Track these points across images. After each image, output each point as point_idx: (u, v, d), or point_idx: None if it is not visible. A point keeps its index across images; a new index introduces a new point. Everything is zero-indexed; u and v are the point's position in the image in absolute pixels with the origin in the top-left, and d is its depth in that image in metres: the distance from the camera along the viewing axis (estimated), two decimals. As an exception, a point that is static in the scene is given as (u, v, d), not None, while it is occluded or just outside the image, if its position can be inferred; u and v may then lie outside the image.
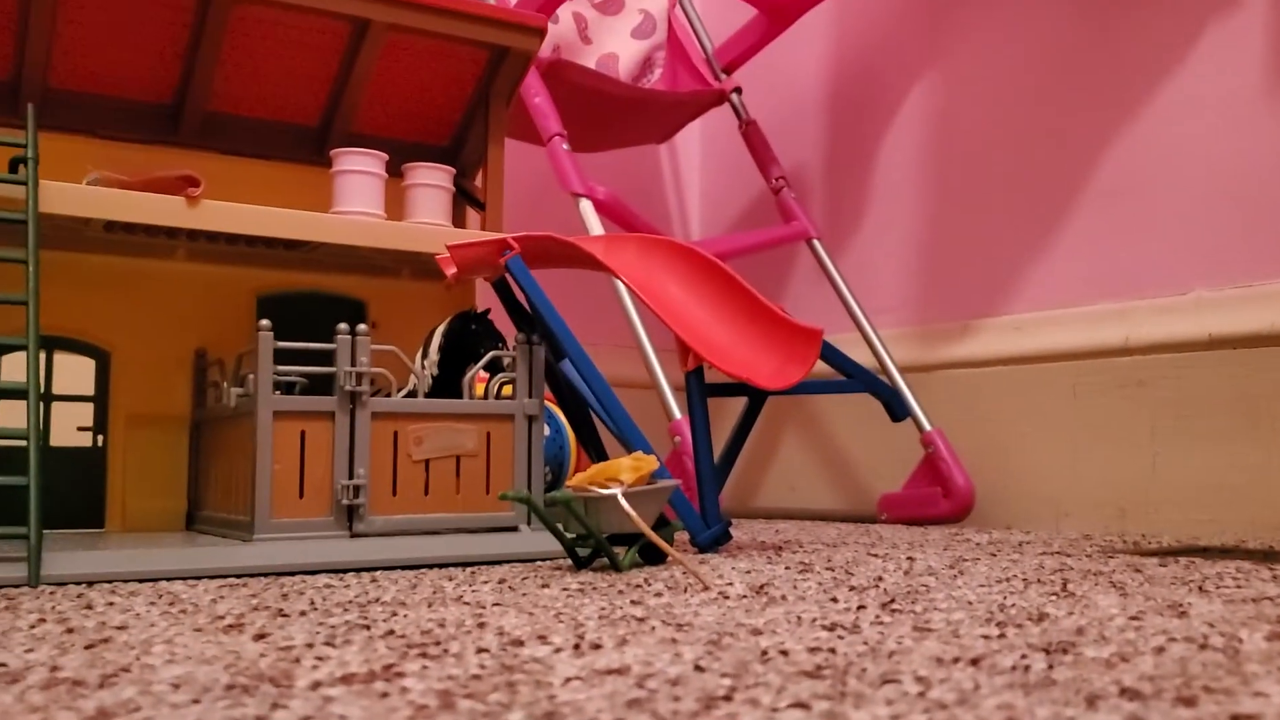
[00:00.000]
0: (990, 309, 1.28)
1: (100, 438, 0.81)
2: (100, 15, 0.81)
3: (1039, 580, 0.54)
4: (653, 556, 0.65)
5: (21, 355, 0.76)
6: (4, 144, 0.71)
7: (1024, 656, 0.33)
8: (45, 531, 0.54)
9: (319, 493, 0.66)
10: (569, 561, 0.66)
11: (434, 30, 0.86)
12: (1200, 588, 0.51)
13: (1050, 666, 0.31)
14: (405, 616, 0.42)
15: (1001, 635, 0.37)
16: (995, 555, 0.71)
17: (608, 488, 0.61)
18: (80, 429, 0.81)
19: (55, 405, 0.81)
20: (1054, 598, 0.47)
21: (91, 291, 0.84)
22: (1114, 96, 1.16)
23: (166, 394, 0.84)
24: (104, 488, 0.80)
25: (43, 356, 0.80)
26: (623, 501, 0.60)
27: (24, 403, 0.70)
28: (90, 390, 0.82)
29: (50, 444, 0.79)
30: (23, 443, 0.63)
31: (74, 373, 0.83)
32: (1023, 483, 1.19)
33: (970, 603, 0.45)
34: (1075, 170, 1.20)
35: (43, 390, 0.79)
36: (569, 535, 0.63)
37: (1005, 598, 0.47)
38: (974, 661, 0.32)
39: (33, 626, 0.40)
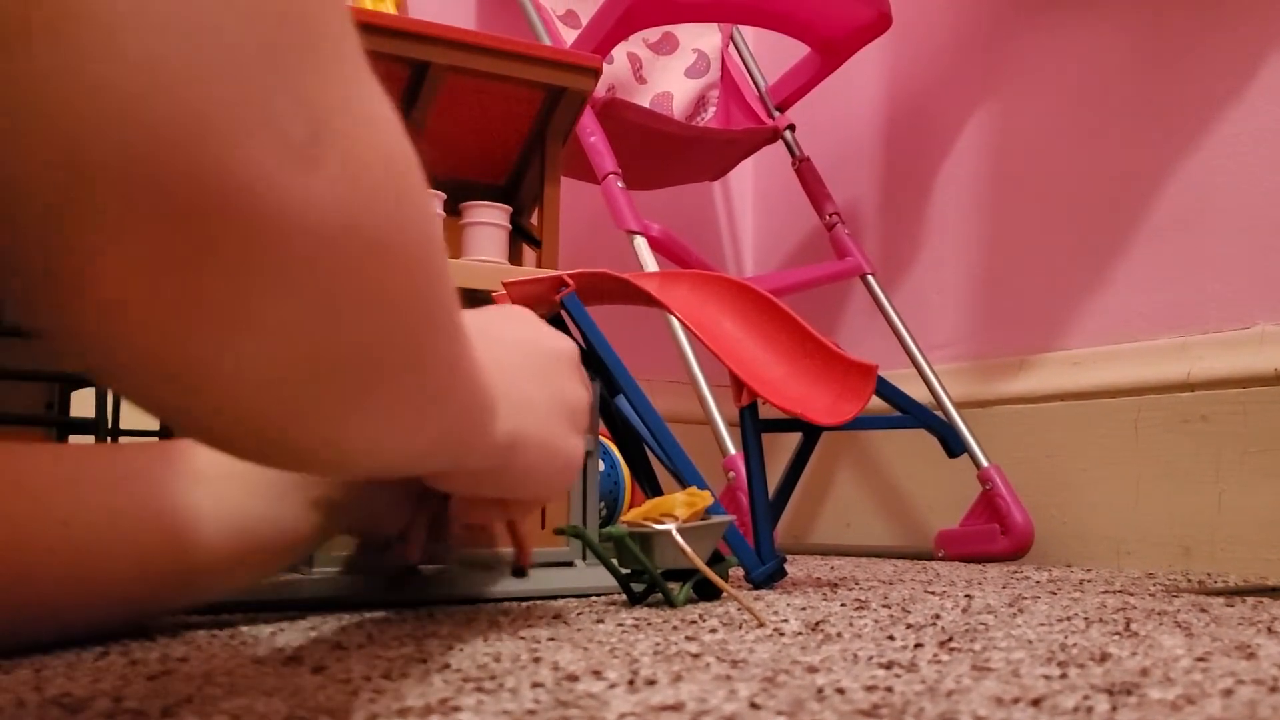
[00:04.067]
0: (1048, 344, 1.27)
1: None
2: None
3: (1101, 619, 0.53)
4: (707, 592, 0.65)
5: (91, 390, 0.78)
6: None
7: (1086, 698, 0.32)
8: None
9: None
10: (623, 597, 0.66)
11: (492, 72, 0.87)
12: (1269, 628, 0.50)
13: (1114, 708, 0.31)
14: (461, 650, 0.43)
15: (1063, 675, 0.36)
16: (1055, 593, 0.70)
17: (662, 523, 0.61)
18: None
19: (123, 440, 0.82)
20: (1117, 637, 0.46)
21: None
22: (1173, 128, 1.15)
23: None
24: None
25: (111, 391, 0.82)
26: (677, 537, 0.59)
27: (92, 437, 0.72)
28: (156, 425, 0.84)
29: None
30: (90, 477, 0.65)
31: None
32: (1083, 520, 1.17)
33: (1030, 642, 0.45)
34: (1134, 203, 1.19)
35: (111, 424, 0.81)
36: (623, 570, 0.63)
37: (1066, 637, 0.46)
38: (1035, 702, 0.32)
39: (97, 659, 0.41)
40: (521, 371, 0.48)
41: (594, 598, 0.67)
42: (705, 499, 0.64)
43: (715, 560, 0.65)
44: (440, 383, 0.34)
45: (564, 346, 0.53)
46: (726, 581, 0.60)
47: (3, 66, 0.19)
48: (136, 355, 0.23)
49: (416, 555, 0.58)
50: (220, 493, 0.47)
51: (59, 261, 0.21)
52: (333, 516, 0.52)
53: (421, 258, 0.28)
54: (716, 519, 0.65)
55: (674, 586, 0.62)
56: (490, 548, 0.66)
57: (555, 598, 0.66)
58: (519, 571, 0.65)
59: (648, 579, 0.62)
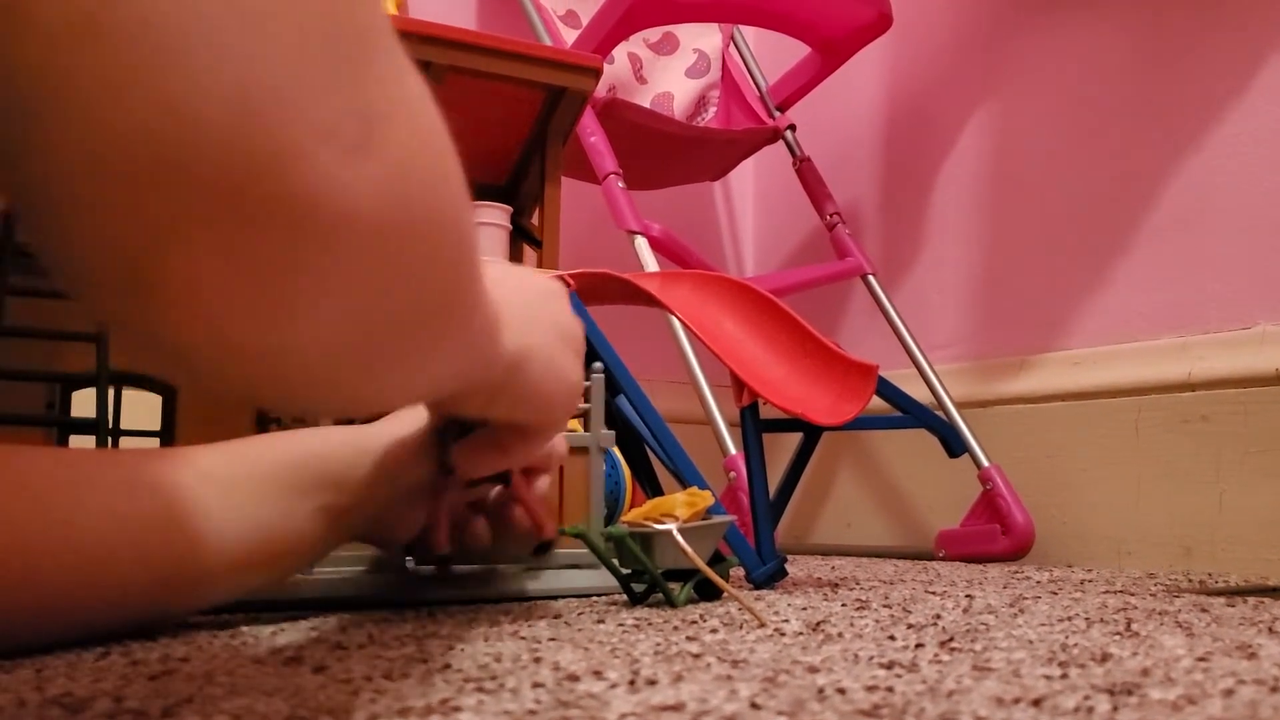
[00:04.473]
0: (1049, 344, 1.27)
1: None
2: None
3: (1102, 619, 0.53)
4: (708, 592, 0.65)
5: (91, 391, 0.78)
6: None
7: (1087, 698, 0.32)
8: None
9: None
10: (624, 597, 0.66)
11: (492, 72, 0.87)
12: (1270, 628, 0.50)
13: (1115, 708, 0.31)
14: (462, 650, 0.43)
15: (1064, 675, 0.36)
16: (1056, 594, 0.70)
17: (662, 523, 0.61)
18: (146, 464, 0.83)
19: (123, 440, 0.82)
20: (1118, 637, 0.46)
21: (158, 329, 0.85)
22: (1173, 128, 1.15)
23: (230, 428, 0.85)
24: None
25: (112, 392, 0.82)
26: (678, 537, 0.59)
27: (93, 437, 0.72)
28: (156, 425, 0.84)
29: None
30: (91, 477, 0.65)
31: (141, 409, 0.85)
32: (1084, 520, 1.17)
33: (1031, 642, 0.45)
34: (1135, 203, 1.19)
35: (112, 425, 0.81)
36: (625, 571, 0.63)
37: (1067, 637, 0.46)
38: (1035, 702, 0.32)
39: (98, 659, 0.41)
40: (518, 296, 0.48)
41: (594, 598, 0.67)
42: (706, 499, 0.64)
43: (716, 560, 0.65)
44: (469, 323, 0.37)
45: (553, 283, 0.55)
46: (727, 581, 0.60)
47: (110, 99, 0.21)
48: (221, 344, 0.25)
49: (444, 540, 0.58)
50: (227, 498, 0.47)
51: (151, 267, 0.23)
52: (341, 524, 0.52)
53: (460, 227, 0.31)
54: (717, 519, 0.65)
55: (675, 586, 0.62)
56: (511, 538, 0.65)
57: (556, 598, 0.66)
58: (542, 548, 0.62)
59: (648, 579, 0.63)
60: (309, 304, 0.26)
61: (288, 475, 0.50)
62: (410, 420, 0.56)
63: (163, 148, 0.22)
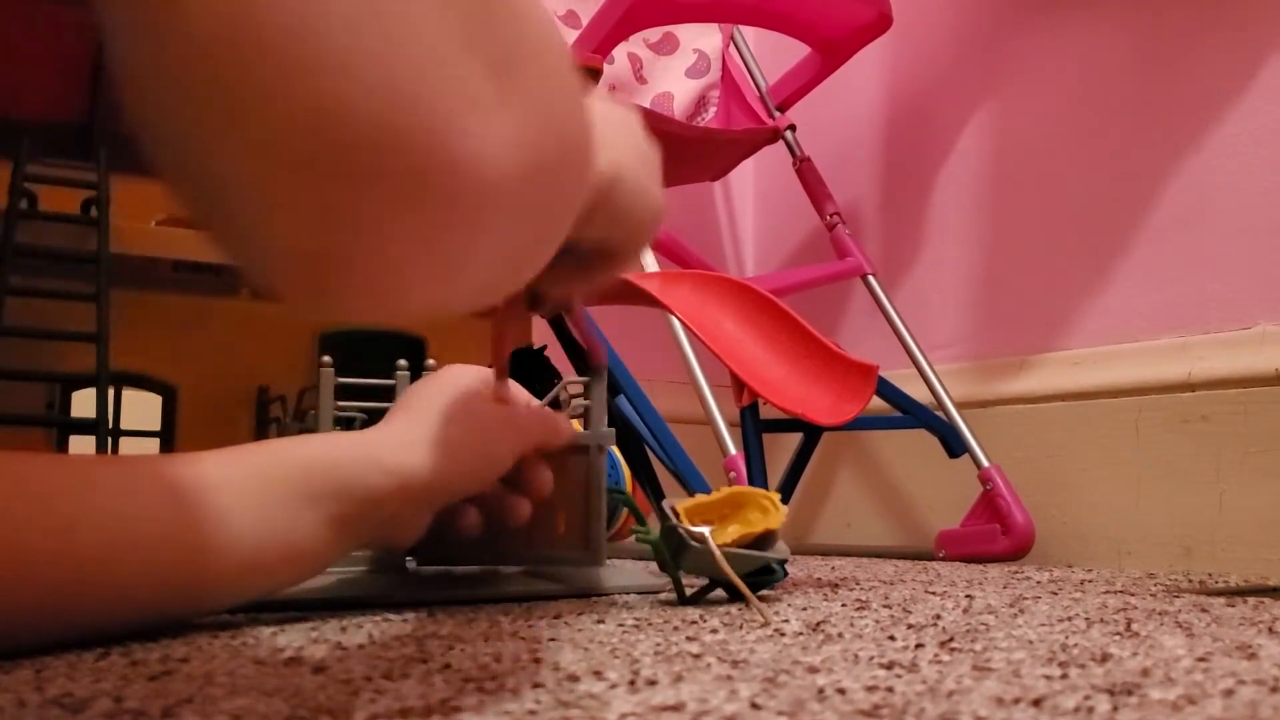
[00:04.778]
0: (1049, 344, 1.27)
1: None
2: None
3: (1102, 620, 0.53)
4: (734, 592, 0.64)
5: (92, 391, 0.78)
6: (78, 185, 0.73)
7: (1087, 698, 0.32)
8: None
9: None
10: (624, 598, 0.66)
11: (491, 71, 0.87)
12: (1270, 629, 0.50)
13: (1115, 708, 0.31)
14: (461, 650, 0.43)
15: (1064, 676, 0.36)
16: (1056, 594, 0.70)
17: (716, 527, 0.60)
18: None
19: (123, 440, 0.83)
20: (1118, 638, 0.46)
21: (159, 329, 0.86)
22: (1174, 129, 1.15)
23: (230, 429, 0.85)
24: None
25: (112, 392, 0.82)
26: (715, 551, 0.58)
27: (93, 437, 0.72)
28: (157, 425, 0.84)
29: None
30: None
31: (142, 408, 0.85)
32: (1084, 520, 1.17)
33: (1031, 642, 0.45)
34: (1135, 203, 1.19)
35: (112, 425, 0.81)
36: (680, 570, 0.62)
37: (1067, 637, 0.46)
38: (1035, 702, 0.32)
39: (98, 659, 0.41)
40: (605, 119, 0.47)
41: (594, 598, 0.67)
42: (780, 517, 0.62)
43: (766, 571, 0.63)
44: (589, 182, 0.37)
45: (629, 109, 0.55)
46: (773, 590, 0.59)
47: (274, 103, 0.23)
48: (399, 306, 0.28)
49: (475, 519, 0.59)
50: (234, 504, 0.47)
51: (335, 252, 0.25)
52: (347, 532, 0.52)
53: (587, 132, 0.32)
54: (760, 554, 0.61)
55: (688, 585, 0.62)
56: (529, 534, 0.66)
57: (556, 598, 0.66)
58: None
59: (712, 580, 0.62)
60: (472, 256, 0.28)
61: (295, 482, 0.50)
62: (418, 421, 0.56)
63: (326, 140, 0.23)
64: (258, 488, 0.48)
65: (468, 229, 0.27)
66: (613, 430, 0.73)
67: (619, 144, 0.49)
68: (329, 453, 0.52)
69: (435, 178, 0.25)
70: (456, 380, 0.60)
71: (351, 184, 0.24)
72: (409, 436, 0.55)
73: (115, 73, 0.25)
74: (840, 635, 0.47)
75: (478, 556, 0.65)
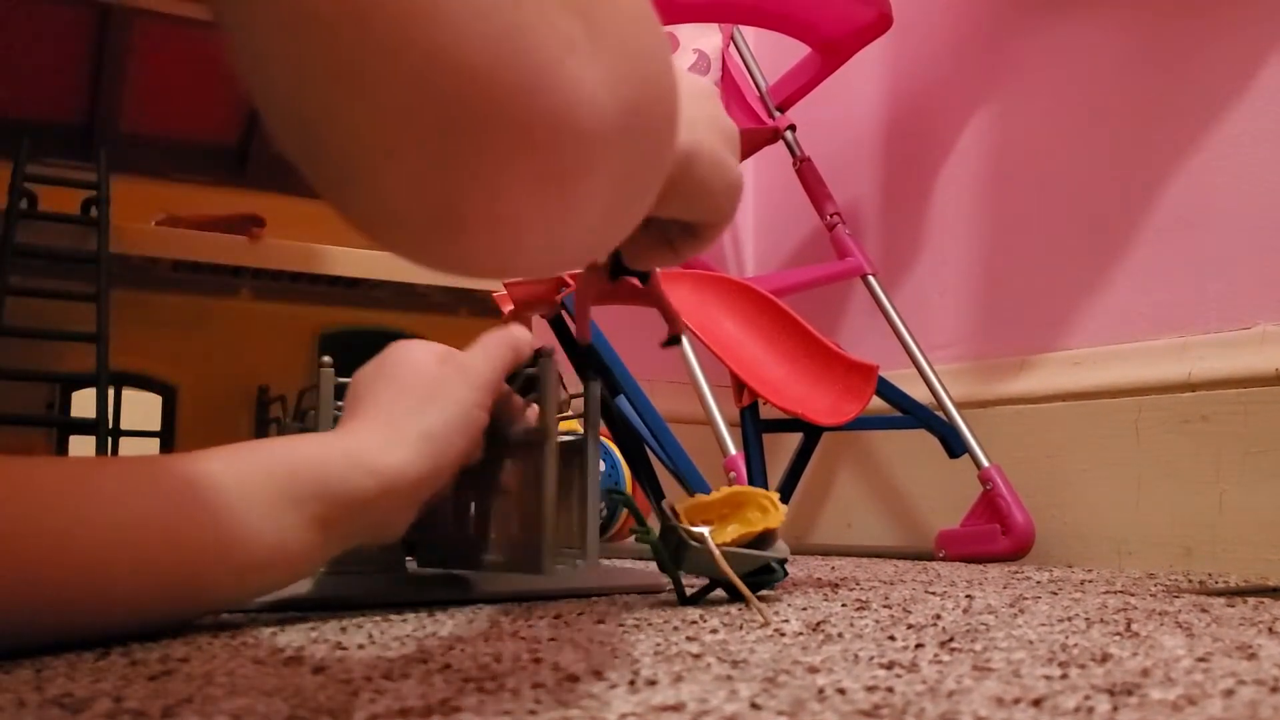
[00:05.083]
0: (1049, 344, 1.27)
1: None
2: (170, 65, 0.84)
3: (1102, 620, 0.53)
4: (734, 592, 0.64)
5: (92, 391, 0.78)
6: (78, 186, 0.73)
7: (1087, 698, 0.32)
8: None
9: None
10: (624, 598, 0.66)
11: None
12: (1270, 629, 0.50)
13: (1115, 709, 0.31)
14: (461, 650, 0.43)
15: (1064, 676, 0.36)
16: (1056, 594, 0.70)
17: (710, 524, 0.60)
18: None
19: (123, 440, 0.83)
20: (1118, 638, 0.46)
21: (159, 329, 0.86)
22: (1174, 128, 1.15)
23: (230, 428, 0.86)
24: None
25: (112, 392, 0.82)
26: (715, 551, 0.58)
27: (93, 437, 0.72)
28: (157, 425, 0.84)
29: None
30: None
31: (142, 408, 0.85)
32: (1084, 520, 1.17)
33: (1031, 642, 0.45)
34: (1135, 203, 1.19)
35: (112, 425, 0.81)
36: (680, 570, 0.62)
37: (1067, 637, 0.46)
38: (1036, 702, 0.32)
39: (97, 659, 0.41)
40: (684, 94, 0.48)
41: (594, 598, 0.67)
42: (779, 517, 0.62)
43: (766, 571, 0.63)
44: (674, 150, 0.39)
45: (708, 83, 0.55)
46: (773, 590, 0.59)
47: (396, 62, 0.24)
48: (516, 253, 0.30)
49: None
50: (229, 506, 0.47)
51: (458, 202, 0.27)
52: (334, 535, 0.51)
53: (672, 85, 0.33)
54: (760, 553, 0.62)
55: (688, 585, 0.62)
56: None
57: (557, 598, 0.66)
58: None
59: (711, 579, 0.61)
60: (580, 200, 0.29)
61: (282, 484, 0.49)
62: (397, 413, 0.55)
63: (438, 91, 0.25)
64: (250, 490, 0.48)
65: (574, 172, 0.28)
66: (597, 434, 0.71)
67: (697, 121, 0.49)
68: (316, 454, 0.52)
69: (541, 122, 0.26)
70: (409, 356, 0.59)
71: (465, 132, 0.25)
72: (393, 434, 0.54)
73: (229, 48, 0.27)
74: (840, 635, 0.47)
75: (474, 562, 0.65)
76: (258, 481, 0.49)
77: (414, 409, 0.55)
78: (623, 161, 0.30)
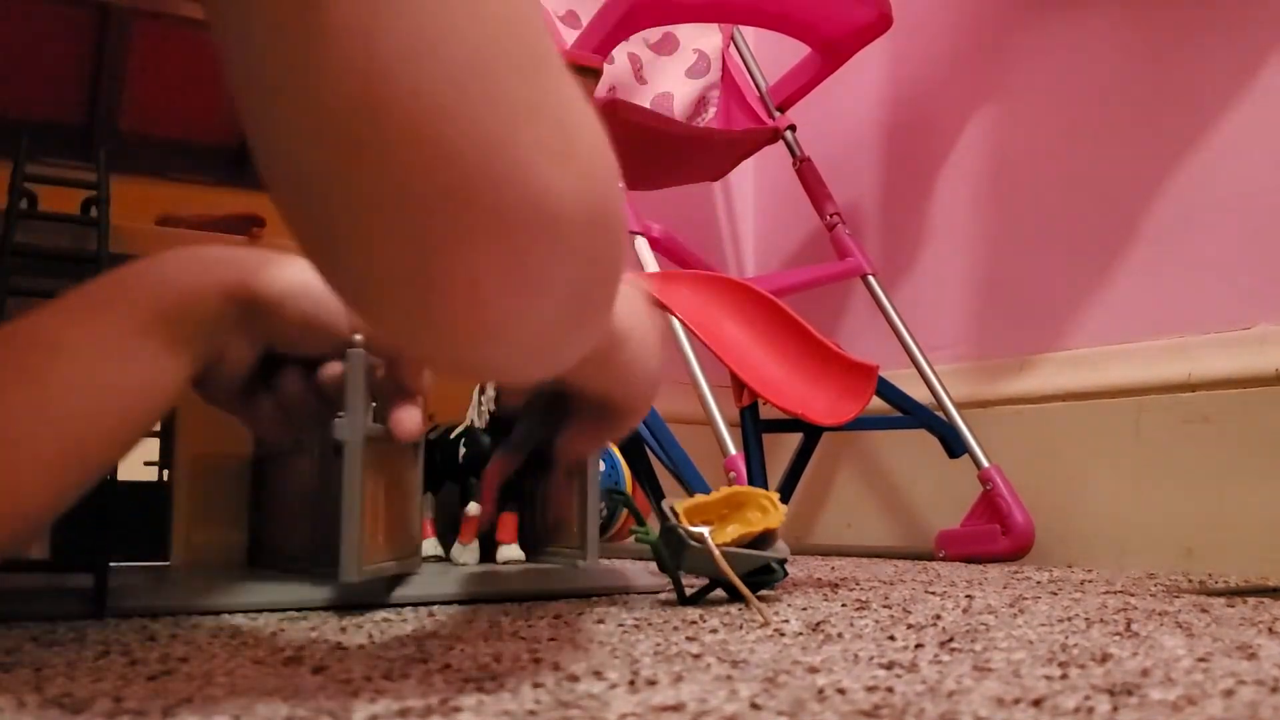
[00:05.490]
0: (1049, 344, 1.27)
1: (166, 473, 0.83)
2: (170, 65, 0.84)
3: (1102, 620, 0.53)
4: (733, 592, 0.64)
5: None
6: (78, 185, 0.73)
7: (1087, 698, 0.32)
8: (111, 564, 0.55)
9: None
10: (625, 598, 0.66)
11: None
12: (1270, 629, 0.50)
13: (1115, 709, 0.31)
14: (461, 650, 0.43)
15: (1064, 676, 0.36)
16: (1056, 594, 0.70)
17: (710, 524, 0.60)
18: (146, 464, 0.83)
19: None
20: (1118, 638, 0.46)
21: (158, 329, 0.85)
22: (1175, 129, 1.15)
23: (230, 428, 0.85)
24: (169, 522, 0.82)
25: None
26: (715, 551, 0.58)
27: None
28: (157, 426, 0.84)
29: (118, 479, 0.81)
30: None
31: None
32: (1084, 520, 1.17)
33: (1031, 642, 0.45)
34: (1135, 203, 1.19)
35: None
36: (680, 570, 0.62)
37: (1067, 637, 0.46)
38: (1036, 703, 0.32)
39: (98, 658, 0.41)
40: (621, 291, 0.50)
41: (594, 598, 0.67)
42: (779, 517, 0.62)
43: (765, 571, 0.63)
44: (617, 293, 0.41)
45: (638, 284, 0.59)
46: (773, 590, 0.59)
47: (399, 154, 0.28)
48: (488, 328, 0.33)
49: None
50: (77, 365, 0.45)
51: (439, 271, 0.30)
52: (186, 351, 0.49)
53: (622, 211, 0.36)
54: (760, 553, 0.62)
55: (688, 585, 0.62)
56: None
57: (556, 598, 0.66)
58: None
59: (710, 579, 0.61)
60: (548, 284, 0.32)
61: (126, 312, 0.47)
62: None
63: (439, 178, 0.29)
64: (97, 340, 0.46)
65: (545, 256, 0.31)
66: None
67: (633, 311, 0.53)
68: (159, 272, 0.49)
69: (518, 210, 0.30)
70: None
71: (452, 211, 0.29)
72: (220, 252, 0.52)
73: (241, 119, 0.30)
74: (840, 635, 0.47)
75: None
76: (102, 323, 0.46)
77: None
78: (581, 261, 0.33)
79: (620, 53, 1.44)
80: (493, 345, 0.34)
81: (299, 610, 0.59)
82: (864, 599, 0.65)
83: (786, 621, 0.52)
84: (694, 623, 0.52)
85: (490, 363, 0.37)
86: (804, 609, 0.58)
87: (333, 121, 0.28)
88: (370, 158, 0.28)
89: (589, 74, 0.92)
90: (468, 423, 0.76)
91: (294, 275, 0.51)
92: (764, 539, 0.62)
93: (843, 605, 0.61)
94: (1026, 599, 0.65)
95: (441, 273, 0.30)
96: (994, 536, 1.15)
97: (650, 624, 0.52)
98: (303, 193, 0.30)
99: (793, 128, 1.42)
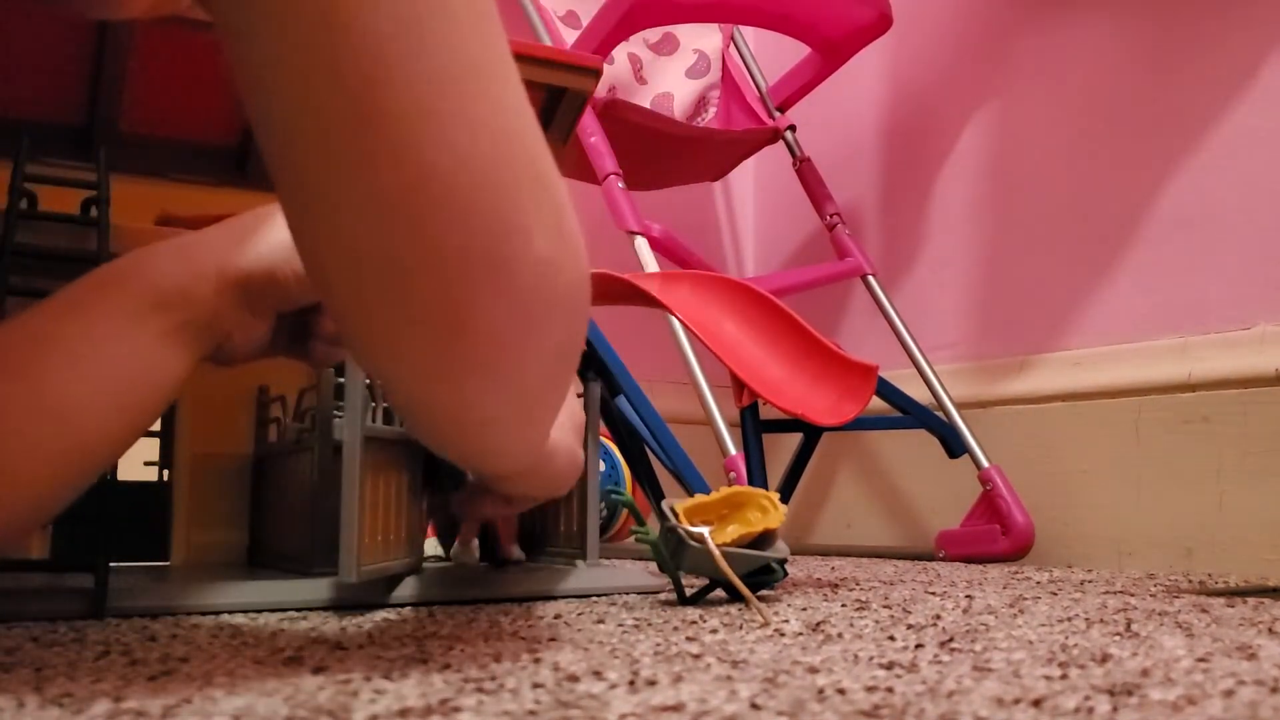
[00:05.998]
0: (1049, 344, 1.27)
1: (166, 473, 0.83)
2: (170, 65, 0.84)
3: (1102, 620, 0.53)
4: (733, 592, 0.64)
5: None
6: (77, 185, 0.73)
7: (1087, 698, 0.32)
8: (111, 564, 0.55)
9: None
10: (625, 598, 0.66)
11: (491, 72, 0.87)
12: (1270, 629, 0.50)
13: (1115, 709, 0.31)
14: (461, 650, 0.43)
15: (1064, 676, 0.36)
16: (1056, 594, 0.70)
17: (716, 526, 0.60)
18: (146, 464, 0.83)
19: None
20: (1118, 638, 0.46)
21: (158, 329, 0.85)
22: (1174, 129, 1.15)
23: (230, 429, 0.85)
24: (169, 522, 0.82)
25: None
26: (715, 551, 0.58)
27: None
28: (157, 426, 0.84)
29: (118, 479, 0.81)
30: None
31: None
32: (1084, 521, 1.17)
33: (1031, 642, 0.45)
34: (1135, 203, 1.19)
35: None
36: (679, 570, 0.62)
37: (1067, 638, 0.46)
38: (1036, 703, 0.32)
39: (98, 658, 0.41)
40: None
41: (594, 598, 0.67)
42: (779, 517, 0.62)
43: (765, 571, 0.63)
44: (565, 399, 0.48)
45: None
46: (773, 589, 0.59)
47: (431, 228, 0.35)
48: (494, 363, 0.39)
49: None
50: (70, 355, 0.45)
51: (460, 321, 0.37)
52: (187, 340, 0.49)
53: (587, 310, 0.42)
54: (760, 553, 0.62)
55: (688, 585, 0.62)
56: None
57: (556, 598, 0.66)
58: (502, 562, 0.72)
59: (714, 580, 0.61)
60: (548, 330, 0.39)
61: (118, 303, 0.47)
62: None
63: (468, 242, 0.35)
64: (88, 325, 0.46)
65: (544, 309, 0.38)
66: (597, 436, 0.70)
67: (563, 422, 0.59)
68: (148, 263, 0.49)
69: (529, 270, 0.37)
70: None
71: (479, 270, 0.36)
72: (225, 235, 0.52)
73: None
74: (840, 635, 0.47)
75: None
76: (97, 310, 0.47)
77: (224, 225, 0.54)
78: (567, 316, 0.40)
79: (620, 53, 1.44)
80: (501, 386, 0.39)
81: (299, 610, 0.59)
82: (864, 599, 0.65)
83: (786, 621, 0.52)
84: (694, 623, 0.52)
85: (494, 413, 0.41)
86: (804, 609, 0.58)
87: (390, 202, 0.34)
88: (416, 228, 0.34)
89: (589, 74, 0.92)
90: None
91: (275, 240, 0.51)
92: (764, 539, 0.62)
93: (843, 605, 0.61)
94: (1026, 599, 0.65)
95: (469, 317, 0.36)
96: (994, 537, 1.15)
97: (650, 624, 0.52)
98: (348, 254, 0.36)
99: (792, 128, 1.42)
